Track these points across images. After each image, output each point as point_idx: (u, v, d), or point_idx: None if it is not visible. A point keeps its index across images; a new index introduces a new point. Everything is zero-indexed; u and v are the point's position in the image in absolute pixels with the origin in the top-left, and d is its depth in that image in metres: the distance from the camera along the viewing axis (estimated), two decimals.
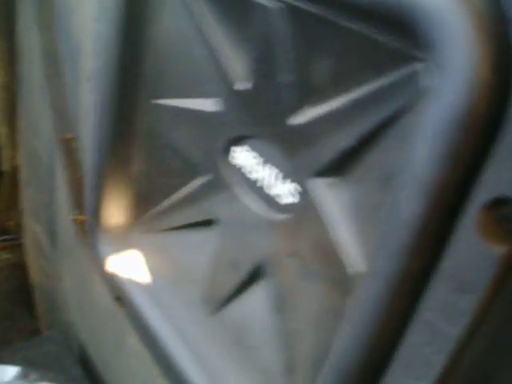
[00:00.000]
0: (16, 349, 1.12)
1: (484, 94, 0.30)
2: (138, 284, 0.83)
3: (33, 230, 1.40)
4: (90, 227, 0.92)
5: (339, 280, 0.49)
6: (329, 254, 0.50)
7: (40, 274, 1.46)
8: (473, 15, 0.31)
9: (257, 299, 0.64)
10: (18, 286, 1.58)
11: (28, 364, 1.05)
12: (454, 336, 0.35)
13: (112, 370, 1.03)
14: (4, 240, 1.56)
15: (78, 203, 1.01)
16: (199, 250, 0.73)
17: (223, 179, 0.65)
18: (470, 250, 0.33)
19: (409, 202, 0.35)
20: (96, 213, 0.88)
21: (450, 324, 0.35)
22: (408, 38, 0.36)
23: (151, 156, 0.78)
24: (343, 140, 0.46)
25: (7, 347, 1.21)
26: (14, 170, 1.44)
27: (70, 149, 1.02)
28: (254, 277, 0.64)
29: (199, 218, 0.73)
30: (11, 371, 1.01)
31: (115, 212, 0.86)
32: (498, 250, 0.32)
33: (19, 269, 1.57)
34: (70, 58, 0.97)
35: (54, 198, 1.19)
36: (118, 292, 0.87)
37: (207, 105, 0.65)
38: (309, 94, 0.50)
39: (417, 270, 0.37)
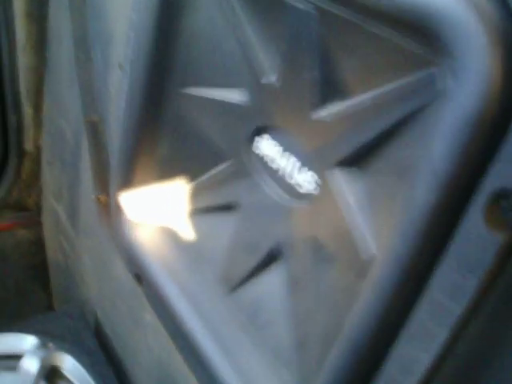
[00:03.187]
0: (35, 321, 1.17)
1: (495, 97, 0.34)
2: (157, 262, 0.87)
3: (53, 208, 1.45)
4: (112, 207, 0.96)
5: (353, 263, 0.53)
6: (344, 240, 0.54)
7: (57, 251, 1.50)
8: (488, 27, 0.35)
9: (272, 280, 0.68)
10: (34, 263, 1.62)
11: (46, 335, 1.09)
12: (457, 312, 0.39)
13: (128, 344, 1.07)
14: (22, 217, 1.59)
15: (101, 184, 1.05)
16: (219, 232, 0.77)
17: (246, 167, 0.69)
18: (476, 235, 0.38)
19: (425, 192, 0.39)
20: (120, 193, 0.92)
21: (454, 301, 0.39)
22: (428, 44, 0.40)
23: (177, 141, 0.82)
24: (363, 135, 0.50)
25: (22, 320, 1.26)
26: (37, 150, 1.48)
27: (96, 131, 1.06)
28: (271, 259, 0.68)
29: (221, 202, 0.77)
30: (31, 340, 1.06)
31: (139, 193, 0.91)
32: (501, 236, 0.36)
33: (35, 246, 1.61)
34: (101, 44, 1.01)
35: (77, 179, 1.23)
36: (137, 270, 0.91)
37: (233, 96, 0.68)
38: (333, 90, 0.54)
39: (428, 253, 0.41)
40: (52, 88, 1.33)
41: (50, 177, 1.45)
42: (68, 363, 1.04)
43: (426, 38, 0.39)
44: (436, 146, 0.38)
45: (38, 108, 1.42)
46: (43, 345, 1.05)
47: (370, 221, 0.51)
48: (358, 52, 0.50)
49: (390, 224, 0.46)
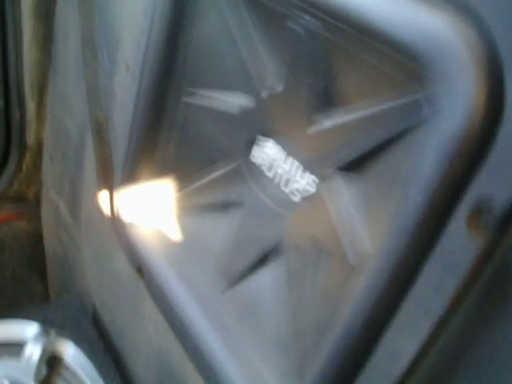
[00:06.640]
0: (35, 309, 1.21)
1: (478, 121, 0.39)
2: (157, 256, 0.91)
3: (54, 201, 1.48)
4: (115, 202, 1.00)
5: (347, 261, 0.57)
6: (338, 239, 0.58)
7: (56, 243, 1.54)
8: (474, 55, 0.40)
9: (269, 276, 0.73)
10: (32, 254, 1.65)
11: (47, 323, 1.13)
12: (440, 306, 0.44)
13: (127, 334, 1.11)
14: (22, 209, 1.62)
15: (104, 179, 1.09)
16: (217, 229, 0.81)
17: (242, 173, 0.74)
18: (459, 239, 0.43)
19: (415, 199, 0.44)
20: (123, 189, 0.96)
21: (438, 297, 0.44)
22: (419, 70, 0.45)
23: (180, 144, 0.87)
24: (359, 146, 0.55)
25: (18, 309, 1.29)
26: (38, 144, 1.51)
27: (101, 129, 1.10)
28: (268, 256, 0.73)
29: (219, 201, 0.81)
30: (33, 328, 1.10)
31: (142, 190, 0.95)
32: (480, 240, 0.41)
33: (34, 237, 1.64)
34: (108, 45, 1.05)
35: (80, 173, 1.27)
36: (138, 263, 0.96)
37: (238, 101, 0.73)
38: (330, 105, 0.59)
39: (416, 253, 0.46)
40: (57, 84, 1.36)
41: (51, 170, 1.48)
42: (69, 351, 1.08)
43: (419, 65, 0.44)
44: (426, 159, 0.43)
45: (41, 103, 1.45)
46: (45, 332, 1.09)
47: (365, 222, 0.56)
48: (351, 73, 0.55)
49: (383, 225, 0.50)
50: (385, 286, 0.48)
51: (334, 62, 0.57)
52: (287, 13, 0.61)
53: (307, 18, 0.58)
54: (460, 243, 0.42)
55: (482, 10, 0.40)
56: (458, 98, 0.40)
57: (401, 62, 0.47)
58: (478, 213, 0.41)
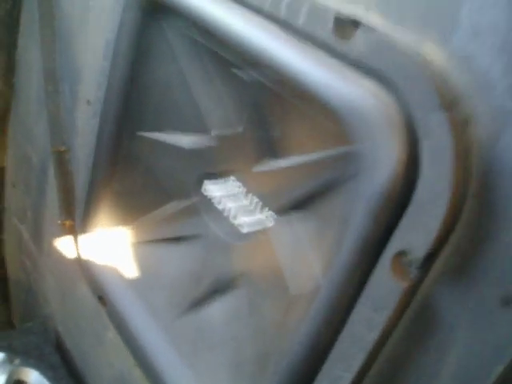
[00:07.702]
0: None
1: (397, 179, 0.45)
2: (119, 285, 0.95)
3: (16, 228, 1.50)
4: (78, 232, 1.03)
5: (285, 297, 0.62)
6: (279, 274, 0.63)
7: (19, 269, 1.55)
8: (392, 124, 0.45)
9: (224, 303, 0.77)
10: None
11: (11, 351, 1.15)
12: (371, 340, 0.49)
13: (89, 360, 1.14)
14: None
15: (66, 210, 1.11)
16: (176, 260, 0.85)
17: (194, 206, 0.78)
18: (385, 282, 0.48)
19: (347, 245, 0.49)
20: (84, 220, 1.00)
21: (369, 331, 0.49)
22: (348, 131, 0.50)
23: (135, 177, 0.91)
24: (297, 189, 0.60)
25: None
26: (0, 170, 1.53)
27: (62, 160, 1.13)
28: (223, 286, 0.77)
29: (177, 234, 0.85)
30: None
31: (102, 220, 0.98)
32: (402, 284, 0.47)
33: None
34: (69, 79, 1.08)
35: (42, 202, 1.29)
36: (100, 292, 0.99)
37: (189, 145, 0.78)
38: (272, 149, 0.64)
39: (349, 292, 0.51)
40: (19, 114, 1.38)
41: (13, 198, 1.50)
42: (33, 377, 1.11)
43: (347, 127, 0.49)
44: (356, 208, 0.48)
45: (3, 131, 1.47)
46: (9, 360, 1.11)
47: (308, 257, 0.61)
48: (296, 124, 0.60)
49: (322, 263, 0.56)
50: (322, 319, 0.53)
51: (282, 111, 0.62)
52: (235, 62, 0.65)
53: (251, 68, 0.63)
54: (386, 285, 0.48)
55: (398, 80, 0.45)
56: (379, 159, 0.45)
57: (333, 121, 0.52)
58: (400, 259, 0.46)
